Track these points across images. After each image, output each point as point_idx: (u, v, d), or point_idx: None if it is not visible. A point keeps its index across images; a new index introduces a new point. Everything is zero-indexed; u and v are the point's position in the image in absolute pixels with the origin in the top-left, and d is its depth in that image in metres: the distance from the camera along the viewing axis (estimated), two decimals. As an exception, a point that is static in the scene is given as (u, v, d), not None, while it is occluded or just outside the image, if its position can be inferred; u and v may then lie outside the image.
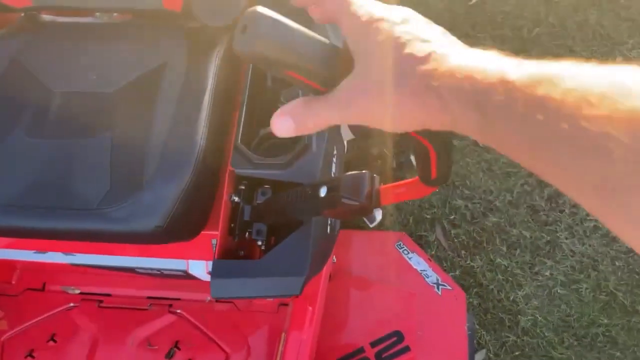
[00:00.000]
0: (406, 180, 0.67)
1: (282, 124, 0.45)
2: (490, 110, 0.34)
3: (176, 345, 1.13)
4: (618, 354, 1.56)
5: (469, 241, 1.74)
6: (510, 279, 1.66)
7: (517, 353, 1.56)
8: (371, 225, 0.82)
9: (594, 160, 0.28)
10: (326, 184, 0.73)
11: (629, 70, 0.29)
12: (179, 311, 1.17)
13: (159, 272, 1.13)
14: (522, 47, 2.11)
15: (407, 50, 0.39)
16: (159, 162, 0.88)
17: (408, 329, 1.29)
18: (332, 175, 0.94)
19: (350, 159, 1.45)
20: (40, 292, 1.22)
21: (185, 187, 0.87)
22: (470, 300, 1.62)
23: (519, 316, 1.61)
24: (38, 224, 0.88)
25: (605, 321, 1.59)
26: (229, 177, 0.90)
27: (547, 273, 1.67)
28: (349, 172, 0.70)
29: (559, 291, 1.64)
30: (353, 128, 1.11)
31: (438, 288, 1.38)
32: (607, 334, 1.57)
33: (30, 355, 1.12)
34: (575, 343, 1.57)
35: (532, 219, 1.76)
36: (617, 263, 1.68)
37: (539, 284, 1.66)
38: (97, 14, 1.13)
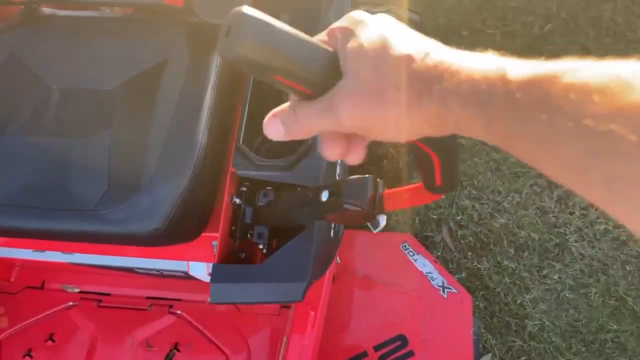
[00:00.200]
0: (411, 186, 0.65)
1: (272, 128, 0.44)
2: (492, 111, 0.33)
3: (176, 347, 1.11)
4: (627, 360, 1.53)
5: (475, 243, 1.71)
6: (518, 282, 1.63)
7: (523, 358, 1.53)
8: (375, 231, 0.79)
9: (601, 157, 0.28)
10: (328, 188, 0.70)
11: (628, 64, 0.29)
12: (179, 312, 1.16)
13: (158, 273, 1.11)
14: (533, 44, 2.07)
15: (401, 50, 0.38)
16: (158, 163, 0.86)
17: (412, 333, 1.26)
18: (337, 177, 0.91)
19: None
20: (39, 290, 1.21)
21: (185, 189, 0.85)
22: (477, 303, 1.60)
23: (526, 320, 1.58)
24: (34, 225, 0.86)
25: (615, 327, 1.56)
26: (231, 178, 0.88)
27: (556, 276, 1.64)
28: (352, 176, 0.67)
29: (567, 295, 1.61)
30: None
31: (444, 291, 1.35)
32: (616, 340, 1.54)
33: (29, 354, 1.11)
34: (583, 349, 1.54)
35: (541, 221, 1.72)
36: (627, 267, 1.64)
37: (547, 287, 1.63)
38: (99, 7, 1.11)
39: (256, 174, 0.85)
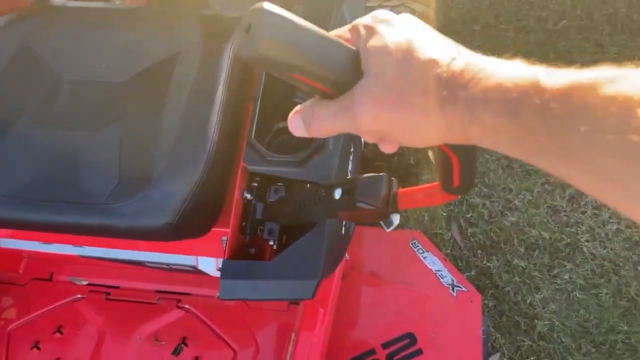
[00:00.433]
0: (425, 185, 0.63)
1: (294, 125, 0.43)
2: (525, 120, 0.32)
3: (183, 341, 1.11)
4: (637, 362, 1.51)
5: (485, 241, 1.69)
6: (528, 281, 1.62)
7: (532, 358, 1.52)
8: (387, 230, 0.78)
9: None
10: (341, 186, 0.69)
11: None
12: (187, 306, 1.15)
13: (167, 267, 1.10)
14: (546, 40, 2.04)
15: (427, 54, 0.36)
16: (170, 157, 0.85)
17: (421, 331, 1.25)
18: (348, 173, 0.90)
19: (366, 154, 1.41)
20: (47, 282, 1.21)
21: (196, 184, 0.84)
22: (486, 302, 1.58)
23: (536, 320, 1.56)
24: (43, 217, 0.85)
25: (625, 328, 1.54)
26: (242, 173, 0.87)
27: (566, 276, 1.62)
28: (366, 175, 0.66)
29: (578, 295, 1.59)
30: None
31: (453, 289, 1.34)
32: (626, 341, 1.53)
33: (36, 346, 1.11)
34: (593, 350, 1.52)
35: (552, 220, 1.70)
36: (639, 268, 1.62)
37: (557, 287, 1.61)
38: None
39: (267, 170, 0.84)
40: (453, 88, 0.35)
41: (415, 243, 1.42)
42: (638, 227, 1.63)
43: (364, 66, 0.38)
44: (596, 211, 1.71)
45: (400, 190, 0.65)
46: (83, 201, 0.84)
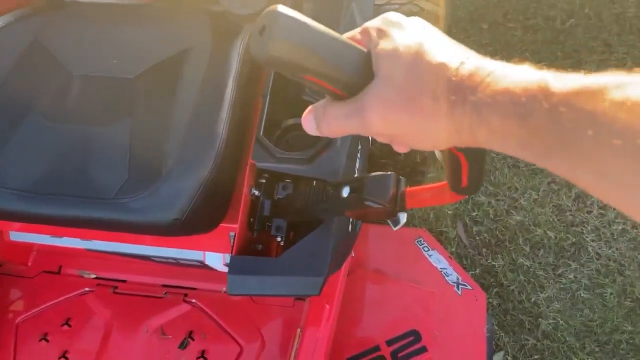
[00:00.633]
0: (433, 185, 0.64)
1: (307, 123, 0.44)
2: (533, 124, 0.32)
3: (190, 335, 1.12)
4: (641, 362, 1.52)
5: (490, 239, 1.69)
6: (532, 280, 1.62)
7: (536, 357, 1.52)
8: (395, 228, 0.79)
9: None
10: (349, 184, 0.69)
11: None
12: (194, 301, 1.16)
13: (174, 261, 1.11)
14: (554, 38, 2.04)
15: (437, 58, 0.37)
16: (179, 153, 0.86)
17: (426, 329, 1.26)
18: (356, 171, 0.91)
19: (372, 152, 1.41)
20: (55, 275, 1.22)
21: (206, 180, 0.85)
22: (490, 300, 1.59)
23: (540, 319, 1.56)
24: (53, 211, 0.86)
25: (630, 328, 1.54)
26: (250, 170, 0.87)
27: (571, 276, 1.62)
28: (374, 173, 0.67)
29: (582, 295, 1.59)
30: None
31: (458, 287, 1.34)
32: (630, 341, 1.53)
33: (44, 339, 1.12)
34: (597, 349, 1.52)
35: (558, 219, 1.70)
36: (644, 268, 1.62)
37: (562, 286, 1.61)
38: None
39: (276, 167, 0.85)
40: (462, 92, 0.35)
41: (420, 241, 1.43)
42: (644, 227, 1.63)
43: (375, 69, 0.39)
44: (602, 211, 1.70)
45: (408, 189, 0.65)
46: (93, 196, 0.85)
